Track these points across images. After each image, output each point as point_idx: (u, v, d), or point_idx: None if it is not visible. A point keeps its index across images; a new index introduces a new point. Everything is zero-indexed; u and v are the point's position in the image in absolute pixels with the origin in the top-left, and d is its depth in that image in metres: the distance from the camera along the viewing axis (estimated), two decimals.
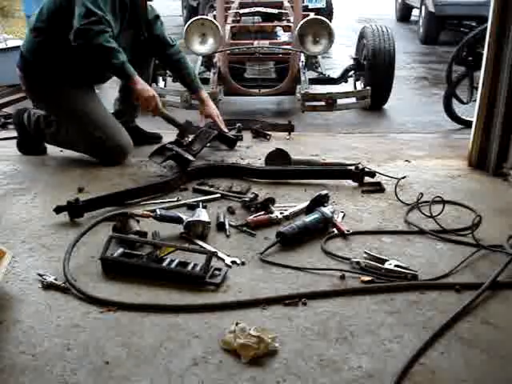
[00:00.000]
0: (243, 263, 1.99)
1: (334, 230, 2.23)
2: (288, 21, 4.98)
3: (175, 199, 2.52)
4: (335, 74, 4.73)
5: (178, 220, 2.19)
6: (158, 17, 3.18)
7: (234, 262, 1.98)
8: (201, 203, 2.38)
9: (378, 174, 2.71)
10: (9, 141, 3.35)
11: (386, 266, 1.92)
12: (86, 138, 2.94)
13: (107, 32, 2.67)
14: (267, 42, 4.59)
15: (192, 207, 2.38)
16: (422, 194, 2.39)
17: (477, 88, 3.05)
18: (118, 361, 1.50)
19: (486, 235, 2.13)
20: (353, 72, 4.67)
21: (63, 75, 2.90)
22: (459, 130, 3.95)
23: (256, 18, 5.12)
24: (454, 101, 3.96)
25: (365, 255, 2.00)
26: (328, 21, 4.27)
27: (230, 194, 2.56)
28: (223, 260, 2.00)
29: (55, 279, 1.84)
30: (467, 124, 3.60)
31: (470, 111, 3.32)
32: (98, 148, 2.94)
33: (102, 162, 2.97)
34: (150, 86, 3.59)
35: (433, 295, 1.80)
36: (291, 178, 2.75)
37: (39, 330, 1.63)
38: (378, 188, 2.65)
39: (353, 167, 2.72)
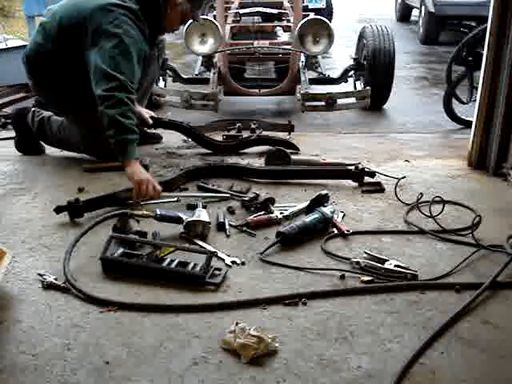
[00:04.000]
0: (243, 263, 1.99)
1: (334, 230, 2.23)
2: (288, 21, 4.99)
3: (175, 199, 2.52)
4: (335, 74, 4.72)
5: (178, 220, 2.19)
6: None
7: (234, 262, 1.98)
8: (201, 203, 2.38)
9: (377, 174, 2.72)
10: (9, 141, 3.35)
11: (386, 265, 1.93)
12: (86, 140, 2.95)
13: (129, 102, 2.50)
14: (267, 42, 4.59)
15: (192, 207, 2.38)
16: (421, 193, 2.39)
17: (477, 88, 3.05)
18: (118, 361, 1.51)
19: (486, 235, 2.13)
20: (353, 72, 4.67)
21: (69, 89, 2.89)
22: (459, 130, 3.95)
23: (256, 18, 5.13)
24: (454, 101, 3.96)
25: (365, 255, 2.00)
26: (328, 21, 4.28)
27: (231, 192, 2.57)
28: (223, 260, 2.00)
29: (55, 279, 1.84)
30: (467, 124, 3.60)
31: (470, 111, 3.32)
32: (98, 149, 2.95)
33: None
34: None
35: (433, 295, 1.80)
36: (291, 178, 2.75)
37: (39, 329, 1.63)
38: (378, 188, 2.65)
39: (353, 167, 2.72)
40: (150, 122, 3.12)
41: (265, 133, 3.43)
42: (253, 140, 3.27)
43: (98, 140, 2.91)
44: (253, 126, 3.50)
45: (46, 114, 3.13)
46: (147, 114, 3.14)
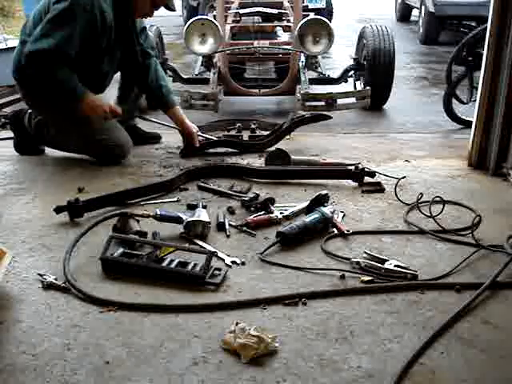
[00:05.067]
0: (243, 263, 1.99)
1: (334, 230, 2.23)
2: (288, 21, 4.98)
3: (175, 199, 2.52)
4: (335, 74, 4.73)
5: (178, 220, 2.19)
6: (144, 29, 3.21)
7: (233, 262, 1.98)
8: (201, 203, 2.38)
9: (377, 174, 2.72)
10: (9, 141, 3.35)
11: (386, 265, 1.92)
12: (86, 141, 2.96)
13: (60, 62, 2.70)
14: (267, 42, 4.59)
15: (192, 207, 2.38)
16: (421, 194, 2.39)
17: (477, 88, 3.05)
18: (118, 361, 1.50)
19: (486, 235, 2.13)
20: (353, 72, 4.68)
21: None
22: (459, 130, 3.95)
23: (256, 18, 5.13)
24: (454, 101, 3.96)
25: (365, 255, 2.00)
26: (328, 21, 4.28)
27: (231, 192, 2.57)
28: (223, 260, 2.00)
29: (55, 279, 1.84)
30: (467, 124, 3.60)
31: (470, 111, 3.32)
32: (98, 149, 2.96)
33: (102, 162, 2.98)
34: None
35: (433, 295, 1.80)
36: (291, 178, 2.75)
37: (39, 329, 1.63)
38: (378, 188, 2.65)
39: (353, 167, 2.72)
40: (197, 144, 3.14)
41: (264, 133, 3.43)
42: (291, 126, 3.25)
43: (96, 142, 2.92)
44: (253, 126, 3.50)
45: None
46: (194, 129, 3.15)
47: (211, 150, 3.19)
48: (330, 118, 3.30)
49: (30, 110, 3.18)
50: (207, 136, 3.27)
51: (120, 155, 3.00)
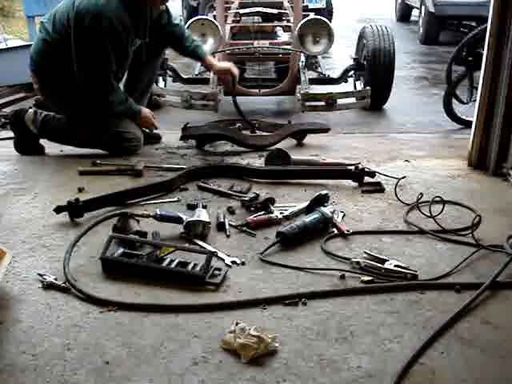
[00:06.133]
0: (243, 263, 1.99)
1: (334, 230, 2.23)
2: (288, 21, 4.98)
3: (175, 199, 2.52)
4: (335, 74, 4.72)
5: (178, 220, 2.19)
6: (165, 11, 3.25)
7: (233, 262, 1.98)
8: (201, 203, 2.38)
9: (377, 174, 2.72)
10: (9, 141, 3.35)
11: (386, 265, 1.93)
12: (106, 134, 3.04)
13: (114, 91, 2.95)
14: (267, 42, 4.59)
15: (192, 207, 2.38)
16: (421, 194, 2.39)
17: (477, 88, 3.05)
18: (118, 361, 1.51)
19: (486, 235, 2.13)
20: (353, 72, 4.67)
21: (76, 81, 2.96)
22: (459, 130, 3.95)
23: (256, 18, 5.13)
24: (454, 101, 3.96)
25: (365, 255, 2.00)
26: (328, 21, 4.28)
27: (231, 192, 2.57)
28: (223, 260, 2.00)
29: (55, 279, 1.84)
30: (467, 124, 3.60)
31: (470, 111, 3.32)
32: (118, 142, 3.04)
33: (116, 153, 3.05)
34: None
35: (433, 295, 1.80)
36: (291, 178, 2.75)
37: (39, 329, 1.63)
38: (378, 188, 2.65)
39: (353, 167, 2.72)
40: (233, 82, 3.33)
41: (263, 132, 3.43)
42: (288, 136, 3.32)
43: (118, 135, 3.01)
44: None
45: (50, 112, 3.16)
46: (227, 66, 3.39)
47: (211, 150, 3.19)
48: (329, 130, 3.35)
49: (33, 109, 3.20)
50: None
51: (137, 146, 3.12)
